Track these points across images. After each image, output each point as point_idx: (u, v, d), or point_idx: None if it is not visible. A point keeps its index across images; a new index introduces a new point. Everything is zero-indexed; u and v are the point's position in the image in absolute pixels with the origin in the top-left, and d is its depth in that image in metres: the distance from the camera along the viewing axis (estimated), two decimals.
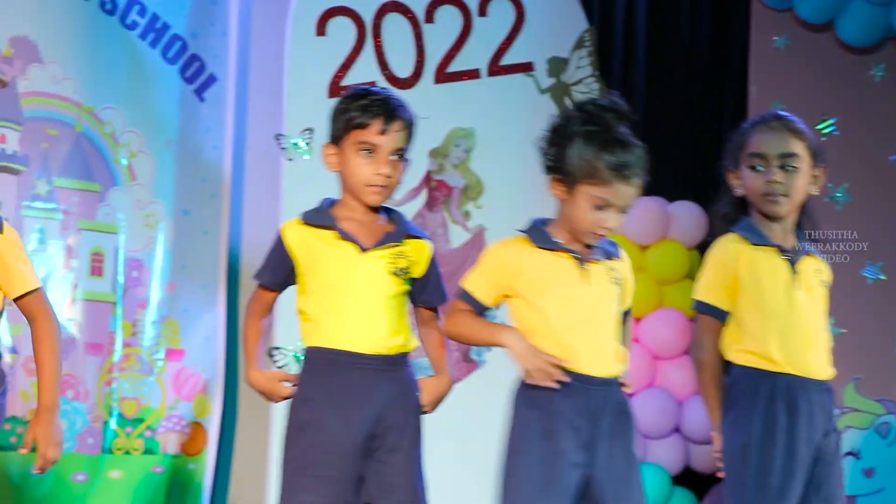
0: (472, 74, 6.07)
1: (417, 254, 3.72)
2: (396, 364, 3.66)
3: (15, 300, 3.58)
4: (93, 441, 5.41)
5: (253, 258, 5.80)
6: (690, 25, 6.50)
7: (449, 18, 6.03)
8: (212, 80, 5.73)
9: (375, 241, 3.66)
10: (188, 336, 5.64)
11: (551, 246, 3.60)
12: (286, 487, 3.61)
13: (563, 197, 3.59)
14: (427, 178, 5.96)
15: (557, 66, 6.18)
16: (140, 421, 5.52)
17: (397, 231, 3.69)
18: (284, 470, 3.62)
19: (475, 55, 6.07)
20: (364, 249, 3.64)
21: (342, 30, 5.87)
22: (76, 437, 5.36)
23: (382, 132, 3.63)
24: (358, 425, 3.59)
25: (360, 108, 3.64)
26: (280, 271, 3.69)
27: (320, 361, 3.63)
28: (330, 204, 3.72)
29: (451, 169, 6.00)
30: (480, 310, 3.66)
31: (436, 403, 3.75)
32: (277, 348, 5.61)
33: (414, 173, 5.88)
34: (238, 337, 5.79)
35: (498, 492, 3.58)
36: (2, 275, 3.53)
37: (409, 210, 5.86)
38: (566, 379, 3.52)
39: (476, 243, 6.01)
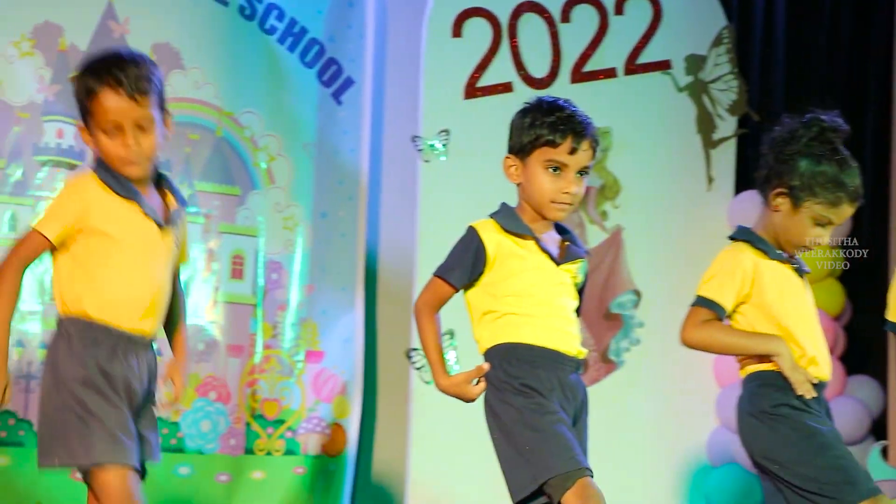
0: (609, 73, 6.02)
1: (584, 269, 3.77)
2: (580, 368, 3.70)
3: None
4: (235, 442, 5.46)
5: (390, 259, 5.82)
6: (832, 21, 6.39)
7: (585, 17, 6.00)
8: (349, 83, 5.76)
9: (564, 255, 3.69)
10: (327, 338, 5.67)
11: (778, 257, 3.79)
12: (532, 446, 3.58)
13: (785, 210, 3.76)
14: None
15: (695, 63, 6.11)
16: (281, 422, 5.57)
17: (575, 249, 3.73)
18: (527, 440, 3.57)
19: (611, 54, 6.03)
20: (559, 263, 3.67)
21: (478, 31, 5.87)
22: (219, 439, 5.42)
23: (572, 151, 3.62)
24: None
25: (549, 126, 3.62)
26: (472, 271, 3.67)
27: (527, 356, 3.62)
28: (515, 210, 3.72)
29: None
30: (724, 317, 3.77)
31: None
32: (416, 349, 5.62)
33: None
34: (376, 337, 5.82)
35: None
36: (182, 245, 3.70)
37: None
38: (813, 394, 3.75)
39: (613, 243, 5.97)
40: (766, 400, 3.77)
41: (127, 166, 3.50)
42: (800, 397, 3.73)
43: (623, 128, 5.99)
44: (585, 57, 5.98)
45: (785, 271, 3.82)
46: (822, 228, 3.76)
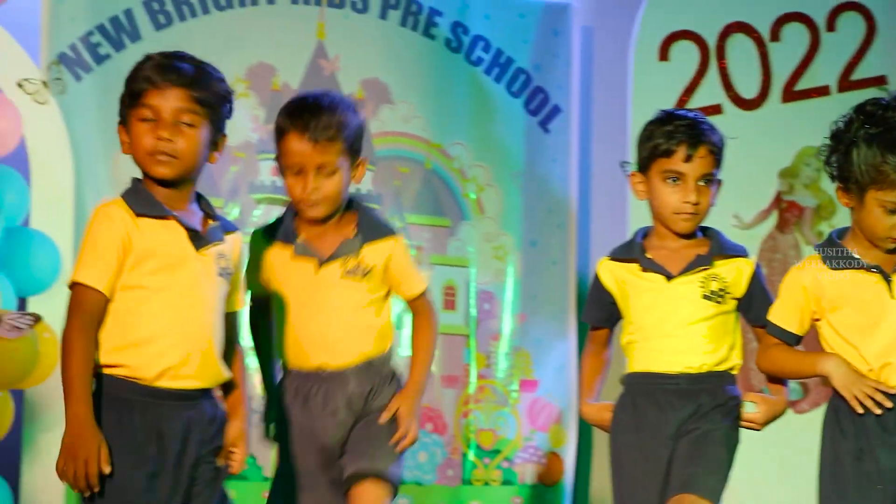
0: (822, 91, 5.90)
1: (734, 273, 3.63)
2: (704, 381, 3.59)
3: (409, 300, 3.71)
4: (452, 473, 5.49)
5: None
6: None
7: (795, 35, 5.88)
8: (556, 111, 5.76)
9: (683, 266, 3.60)
10: (541, 366, 5.66)
11: (846, 265, 3.48)
12: None
13: (855, 206, 3.46)
14: (777, 200, 5.82)
15: None
16: (497, 452, 5.58)
17: (709, 253, 3.62)
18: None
19: (824, 71, 5.90)
20: (670, 278, 3.59)
21: (685, 53, 5.80)
22: (436, 470, 5.46)
23: (688, 159, 3.56)
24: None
25: (664, 135, 3.58)
26: (601, 308, 3.71)
27: (635, 387, 3.65)
28: (643, 235, 3.69)
29: (802, 189, 5.84)
30: (793, 341, 3.58)
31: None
32: None
33: (763, 195, 5.76)
34: None
35: None
36: (403, 276, 3.64)
37: (761, 232, 5.74)
38: (888, 404, 3.40)
39: None
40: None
41: (306, 208, 3.52)
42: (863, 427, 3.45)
43: None
44: (797, 75, 5.87)
45: (857, 278, 3.47)
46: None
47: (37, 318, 4.29)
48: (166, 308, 3.16)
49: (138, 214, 3.18)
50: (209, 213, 3.31)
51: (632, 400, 3.63)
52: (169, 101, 3.22)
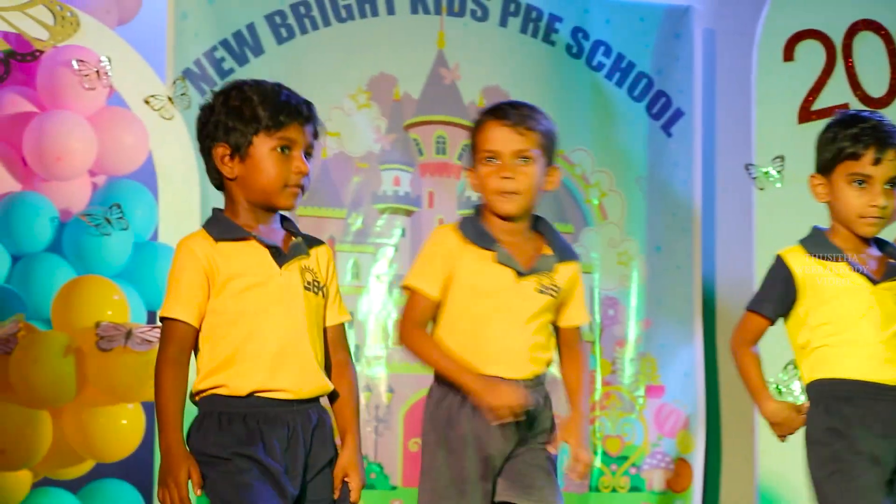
0: None
1: None
2: None
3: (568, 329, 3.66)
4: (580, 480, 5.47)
5: (727, 290, 5.73)
6: None
7: None
8: (678, 114, 5.72)
9: (883, 272, 3.57)
10: (667, 372, 5.63)
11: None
12: None
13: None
14: None
15: None
16: (624, 458, 5.55)
17: (891, 268, 3.59)
18: None
19: None
20: (875, 282, 3.56)
21: (811, 53, 5.72)
22: (563, 477, 5.42)
23: (876, 162, 3.53)
24: None
25: (850, 138, 3.54)
26: (784, 301, 3.61)
27: (842, 392, 3.54)
28: (824, 233, 3.64)
29: None
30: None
31: None
32: None
33: None
34: (717, 371, 5.74)
35: None
36: (576, 303, 3.64)
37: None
38: None
39: None
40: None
41: (498, 200, 3.47)
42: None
43: None
44: None
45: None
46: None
47: None
48: (254, 326, 3.18)
49: (218, 240, 3.19)
50: (291, 230, 3.31)
51: (838, 408, 3.53)
52: None
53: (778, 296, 3.60)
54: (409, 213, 5.40)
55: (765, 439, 5.49)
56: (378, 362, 5.30)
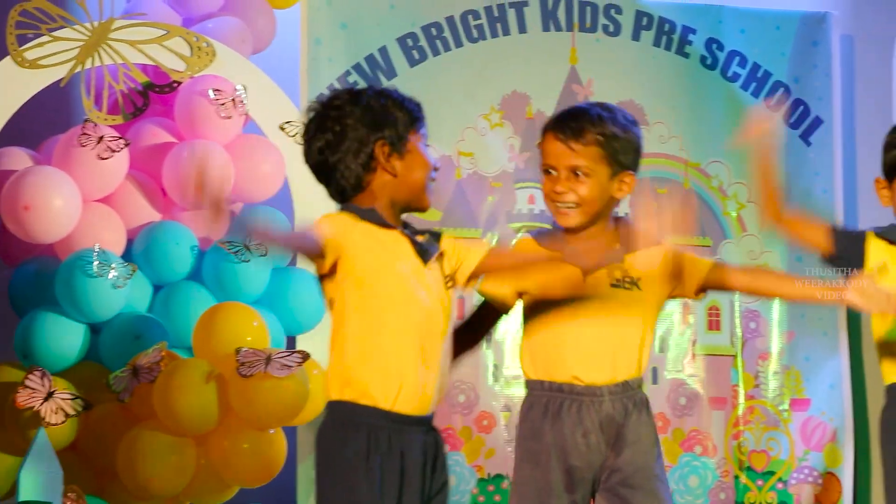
0: None
1: None
2: None
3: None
4: (725, 496, 5.41)
5: None
6: None
7: None
8: (817, 122, 5.64)
9: None
10: (812, 384, 5.54)
11: None
12: None
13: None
14: None
15: None
16: (771, 474, 5.47)
17: None
18: None
19: None
20: None
21: None
22: (708, 493, 5.38)
23: None
24: None
25: None
26: (856, 244, 3.61)
27: None
28: None
29: None
30: None
31: None
32: None
33: None
34: (864, 382, 5.64)
35: None
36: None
37: None
38: None
39: None
40: None
41: (557, 213, 3.46)
42: None
43: None
44: None
45: None
46: None
47: (305, 356, 4.38)
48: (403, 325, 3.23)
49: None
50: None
51: None
52: None
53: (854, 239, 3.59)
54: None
55: None
56: (517, 382, 5.28)
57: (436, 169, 3.33)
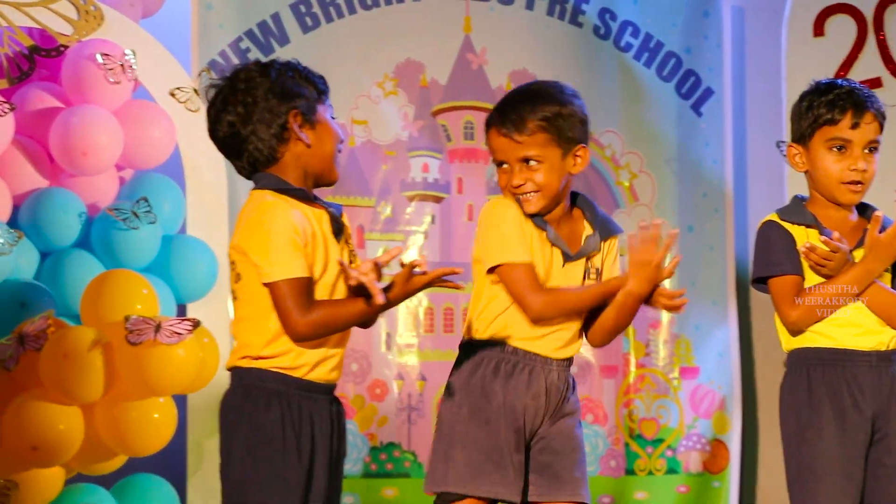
0: None
1: None
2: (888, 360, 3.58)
3: None
4: (615, 464, 5.46)
5: None
6: None
7: None
8: (708, 93, 5.68)
9: (856, 241, 3.55)
10: (701, 353, 5.60)
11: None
12: None
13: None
14: None
15: None
16: (660, 441, 5.53)
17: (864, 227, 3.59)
18: None
19: None
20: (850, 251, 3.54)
21: (841, 28, 5.67)
22: (599, 461, 5.43)
23: (854, 126, 3.53)
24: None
25: (827, 104, 3.54)
26: (796, 254, 3.57)
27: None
28: (804, 202, 3.63)
29: None
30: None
31: None
32: None
33: None
34: (752, 350, 5.71)
35: None
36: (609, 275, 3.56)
37: None
38: None
39: None
40: None
41: (522, 204, 3.42)
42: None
43: None
44: None
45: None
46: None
47: (196, 324, 4.34)
48: None
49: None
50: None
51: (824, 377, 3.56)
52: None
53: (790, 251, 3.57)
54: (438, 200, 5.38)
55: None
56: (410, 351, 5.29)
57: (341, 141, 3.33)
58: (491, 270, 3.40)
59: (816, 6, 5.66)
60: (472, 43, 5.47)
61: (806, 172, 3.64)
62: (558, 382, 3.44)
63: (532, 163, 3.39)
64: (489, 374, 3.42)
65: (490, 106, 5.28)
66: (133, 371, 4.32)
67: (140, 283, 4.47)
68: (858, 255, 3.55)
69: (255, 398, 3.16)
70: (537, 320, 3.38)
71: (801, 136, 3.61)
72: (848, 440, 3.49)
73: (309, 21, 5.29)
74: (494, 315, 3.44)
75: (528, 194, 3.40)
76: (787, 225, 3.59)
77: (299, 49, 5.20)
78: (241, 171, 3.30)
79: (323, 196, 3.33)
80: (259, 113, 3.21)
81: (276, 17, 5.24)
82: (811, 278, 3.56)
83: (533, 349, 3.42)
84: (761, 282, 3.63)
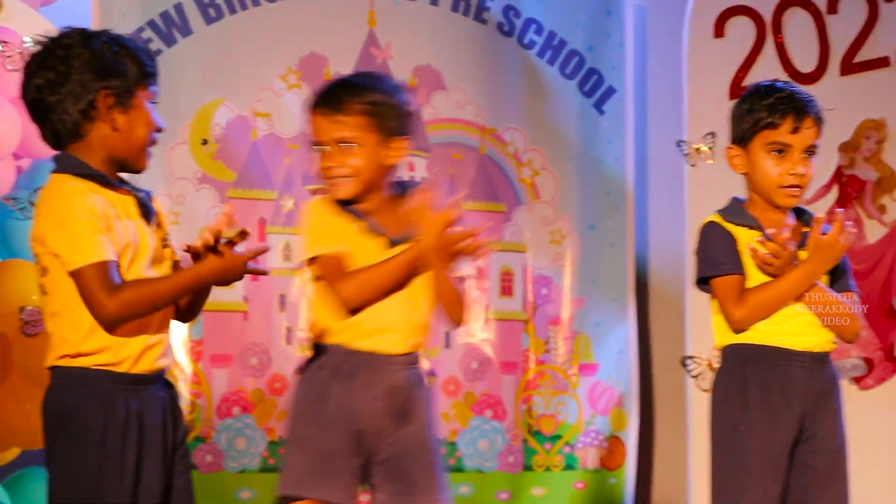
0: (882, 63, 5.80)
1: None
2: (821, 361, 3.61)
3: None
4: (513, 459, 5.48)
5: (661, 267, 5.75)
6: None
7: (854, 7, 5.79)
8: (610, 91, 5.72)
9: (794, 243, 3.57)
10: (601, 350, 5.64)
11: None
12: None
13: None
14: (838, 174, 5.74)
15: None
16: (558, 437, 5.56)
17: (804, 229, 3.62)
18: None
19: (884, 43, 5.80)
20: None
21: (741, 29, 5.74)
22: (497, 457, 5.45)
23: (794, 131, 3.56)
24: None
25: (768, 108, 3.57)
26: (737, 253, 3.59)
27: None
28: (743, 204, 3.66)
29: (863, 162, 5.77)
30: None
31: None
32: (691, 357, 5.52)
33: (823, 169, 5.69)
34: (650, 348, 5.76)
35: None
36: None
37: (821, 207, 5.66)
38: None
39: (894, 237, 5.75)
40: None
41: (332, 188, 3.40)
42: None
43: None
44: (855, 48, 5.78)
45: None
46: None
47: None
48: None
49: None
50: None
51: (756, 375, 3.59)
52: None
53: (732, 250, 3.59)
54: None
55: (696, 413, 5.53)
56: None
57: (159, 130, 3.21)
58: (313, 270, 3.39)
59: (717, 7, 5.72)
60: (377, 37, 5.46)
61: (745, 174, 3.67)
62: (402, 382, 3.41)
63: (349, 145, 3.36)
64: (327, 375, 3.38)
65: None
66: (28, 362, 4.27)
67: (36, 274, 4.41)
68: (801, 256, 3.58)
69: (76, 398, 3.07)
70: (352, 306, 3.33)
71: (741, 138, 3.63)
72: (776, 438, 3.53)
73: (212, 12, 5.25)
74: (328, 314, 3.41)
75: (341, 178, 3.37)
76: (729, 226, 3.62)
77: (202, 41, 5.17)
78: (45, 139, 3.18)
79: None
80: (70, 84, 3.10)
81: (178, 8, 5.20)
82: (755, 278, 3.59)
83: (372, 347, 3.38)
84: (704, 282, 3.64)
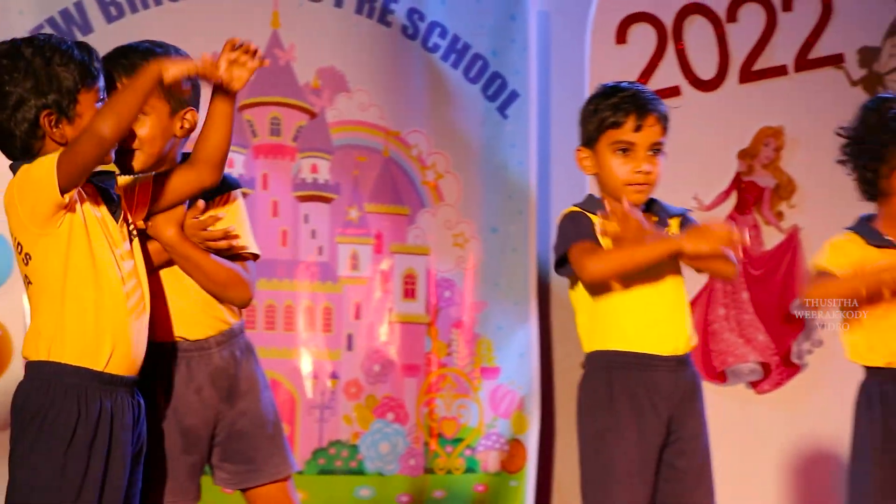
0: (780, 71, 5.90)
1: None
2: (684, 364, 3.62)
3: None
4: (415, 462, 5.48)
5: None
6: None
7: (752, 16, 5.88)
8: (514, 96, 5.73)
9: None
10: (503, 353, 5.65)
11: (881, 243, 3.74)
12: None
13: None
14: (736, 181, 5.82)
15: (869, 56, 5.94)
16: (460, 440, 5.56)
17: (661, 220, 3.64)
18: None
19: (781, 51, 5.90)
20: None
21: (643, 36, 5.80)
22: (398, 459, 5.44)
23: (637, 129, 3.57)
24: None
25: (611, 107, 3.58)
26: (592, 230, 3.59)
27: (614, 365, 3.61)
28: (598, 200, 3.66)
29: (761, 169, 5.85)
30: None
31: None
32: None
33: (722, 176, 5.77)
34: (551, 351, 5.78)
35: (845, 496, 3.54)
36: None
37: (720, 213, 5.74)
38: None
39: (791, 244, 5.84)
40: None
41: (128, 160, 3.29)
42: None
43: (795, 126, 5.85)
44: (754, 56, 5.87)
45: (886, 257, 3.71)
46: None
47: None
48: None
49: None
50: None
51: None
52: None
53: (586, 228, 3.59)
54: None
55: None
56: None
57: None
58: None
59: (619, 14, 5.77)
60: (281, 38, 5.43)
61: (595, 175, 3.69)
62: (222, 364, 3.37)
63: (140, 114, 3.17)
64: (159, 379, 3.35)
65: (298, 102, 5.35)
66: None
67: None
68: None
69: (50, 394, 3.04)
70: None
71: (589, 139, 3.66)
72: (645, 443, 3.54)
73: (113, 11, 5.19)
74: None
75: (128, 151, 3.26)
76: (586, 213, 3.63)
77: (103, 39, 5.08)
78: (4, 153, 3.12)
79: None
80: (8, 110, 3.03)
81: (79, 6, 5.13)
82: None
83: (183, 336, 3.34)
84: (563, 263, 3.61)
